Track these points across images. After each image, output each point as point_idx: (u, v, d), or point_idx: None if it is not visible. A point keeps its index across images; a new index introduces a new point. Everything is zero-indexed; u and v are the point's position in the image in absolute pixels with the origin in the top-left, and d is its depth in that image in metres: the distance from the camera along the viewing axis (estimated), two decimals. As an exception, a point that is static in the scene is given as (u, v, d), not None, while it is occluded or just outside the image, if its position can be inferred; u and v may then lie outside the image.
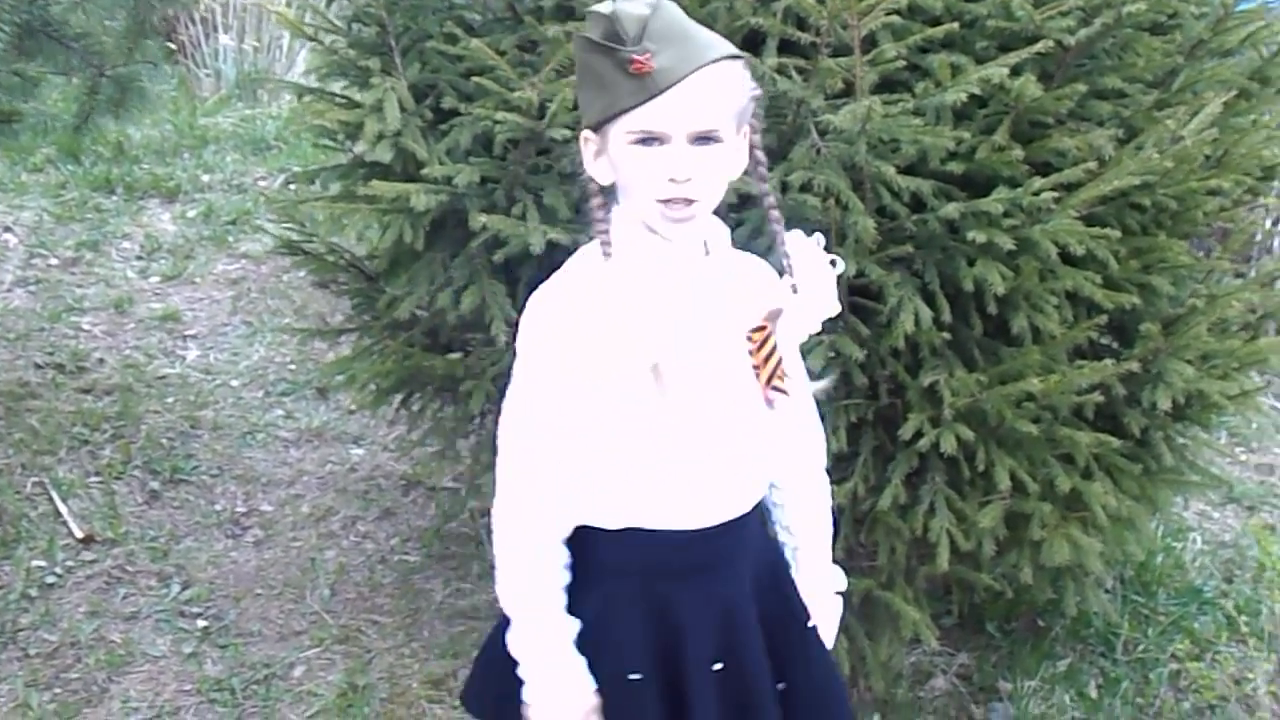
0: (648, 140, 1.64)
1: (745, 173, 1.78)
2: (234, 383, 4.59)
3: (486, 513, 3.67)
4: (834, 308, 1.83)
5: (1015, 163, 2.49)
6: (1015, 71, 2.45)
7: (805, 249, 1.81)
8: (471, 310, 2.75)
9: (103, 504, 3.78)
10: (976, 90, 2.43)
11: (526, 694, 1.82)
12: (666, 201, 1.66)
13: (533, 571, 1.80)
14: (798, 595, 1.98)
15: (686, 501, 1.81)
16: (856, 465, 2.63)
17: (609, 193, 1.74)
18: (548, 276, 2.78)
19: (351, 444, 4.24)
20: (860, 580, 2.69)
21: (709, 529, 1.83)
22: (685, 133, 1.63)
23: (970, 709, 3.12)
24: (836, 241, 2.42)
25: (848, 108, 2.35)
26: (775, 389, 1.80)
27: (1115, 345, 2.81)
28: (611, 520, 1.81)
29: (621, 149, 1.66)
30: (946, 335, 2.55)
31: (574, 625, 1.81)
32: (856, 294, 2.52)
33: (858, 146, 2.37)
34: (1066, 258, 2.52)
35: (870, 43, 2.43)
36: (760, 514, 1.94)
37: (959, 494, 2.64)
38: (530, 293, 2.79)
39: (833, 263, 1.81)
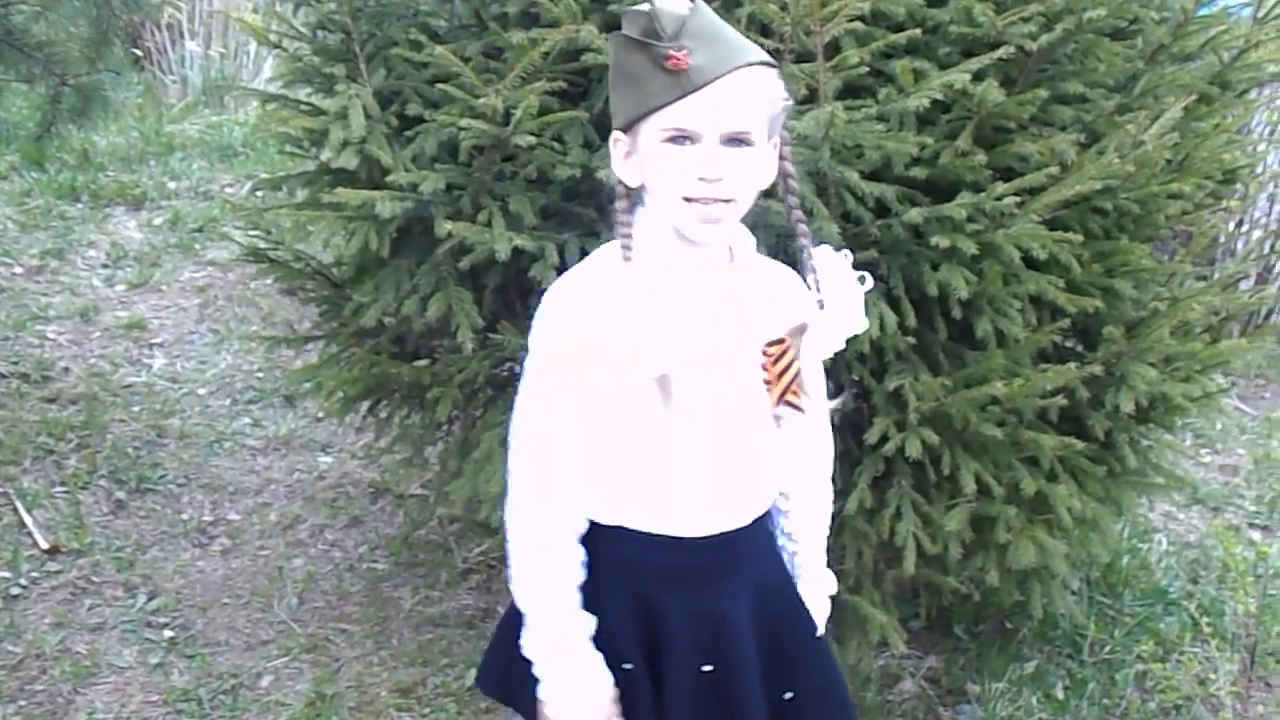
0: (679, 139, 1.65)
1: (774, 192, 1.79)
2: (201, 391, 4.57)
3: (455, 520, 3.70)
4: (861, 325, 1.84)
5: (978, 168, 2.51)
6: (978, 77, 2.47)
7: (832, 265, 1.81)
8: (438, 317, 2.75)
9: (68, 514, 3.75)
10: (939, 96, 2.45)
11: (543, 691, 1.81)
12: (695, 201, 1.66)
13: (547, 569, 1.79)
14: (804, 605, 1.98)
15: (681, 510, 1.80)
16: (823, 470, 2.63)
17: (634, 196, 1.74)
18: (514, 283, 2.81)
19: (319, 452, 4.23)
20: (828, 584, 2.70)
21: (704, 538, 1.82)
22: (718, 132, 1.64)
23: (939, 711, 3.13)
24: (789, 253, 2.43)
25: (811, 114, 2.36)
26: (789, 404, 1.80)
27: (1079, 348, 2.83)
28: (605, 515, 1.81)
29: (653, 147, 1.67)
30: (911, 340, 2.57)
31: (588, 621, 1.79)
32: (821, 299, 2.53)
33: (822, 152, 2.38)
34: (1030, 262, 2.54)
35: (833, 49, 2.44)
36: (766, 524, 1.93)
37: (925, 498, 2.66)
38: (497, 298, 2.82)
39: (861, 279, 1.82)
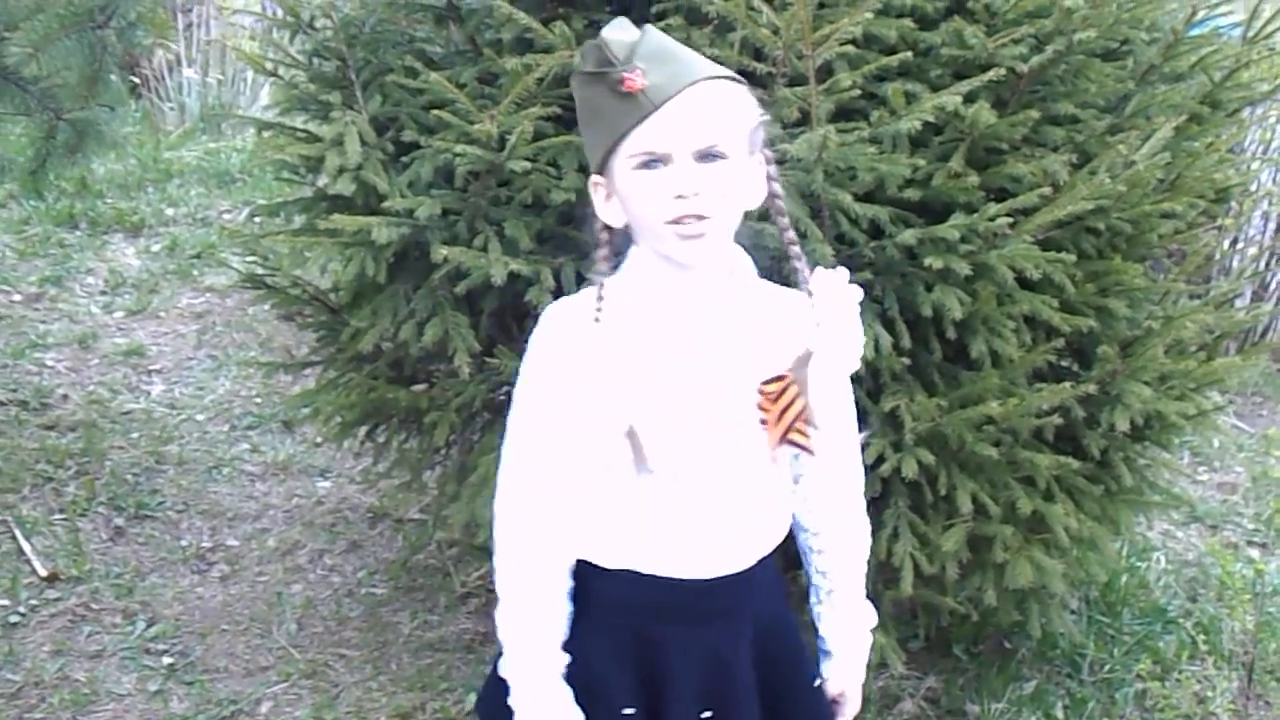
0: (651, 163, 1.63)
1: (764, 213, 1.77)
2: (199, 417, 4.57)
3: (453, 544, 3.70)
4: (860, 345, 1.80)
5: (971, 189, 2.52)
6: (969, 99, 2.49)
7: (830, 285, 1.76)
8: (434, 342, 2.76)
9: (67, 541, 3.76)
10: (931, 118, 2.46)
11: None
12: (677, 221, 1.64)
13: (527, 601, 1.78)
14: (803, 650, 1.94)
15: (679, 552, 1.77)
16: (820, 491, 2.64)
17: (618, 240, 1.73)
18: (510, 307, 2.82)
19: (318, 477, 4.24)
20: (826, 605, 2.71)
21: (706, 580, 1.79)
22: (688, 150, 1.62)
23: (938, 732, 3.14)
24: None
25: (804, 137, 2.38)
26: (793, 443, 1.74)
27: (1074, 368, 2.84)
28: (607, 559, 1.79)
29: (627, 177, 1.65)
30: (906, 360, 2.58)
31: (562, 658, 1.79)
32: (817, 321, 2.54)
33: (815, 175, 2.39)
34: (1023, 282, 2.55)
35: (826, 72, 2.46)
36: (772, 563, 1.87)
37: (922, 518, 2.66)
38: (493, 323, 2.83)
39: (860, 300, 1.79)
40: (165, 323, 5.30)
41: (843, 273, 1.77)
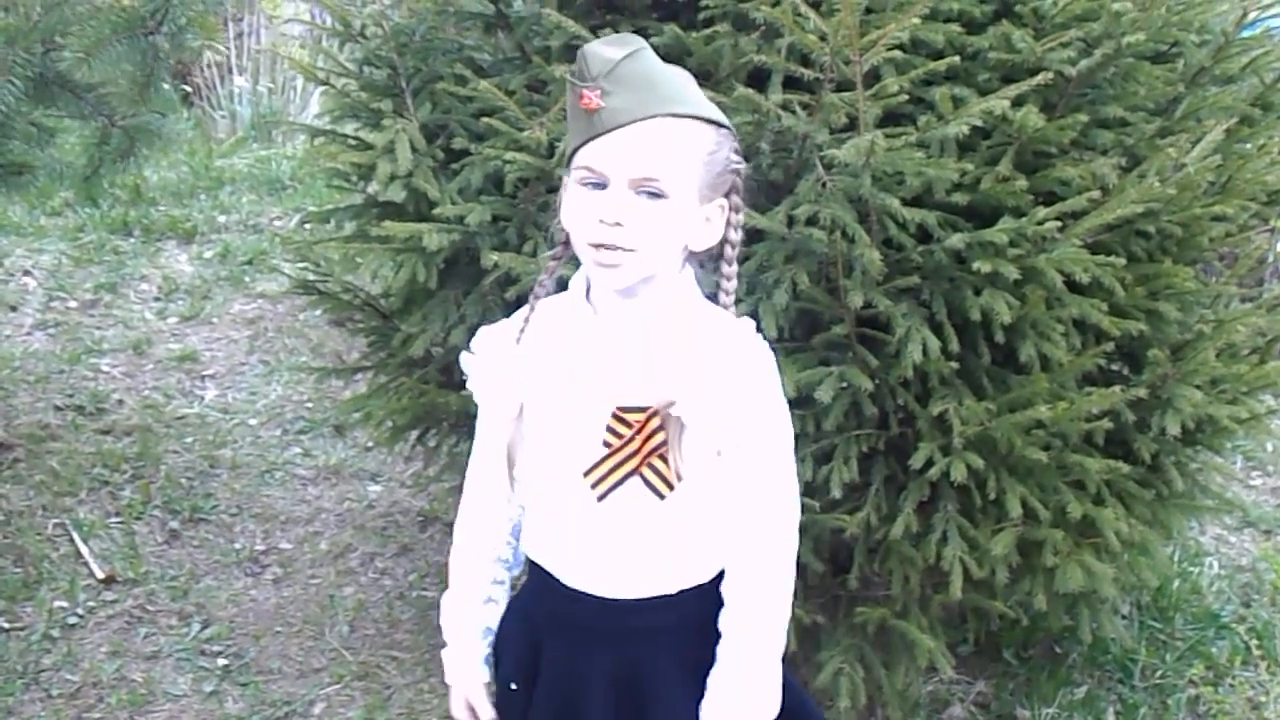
0: (590, 183, 1.65)
1: (713, 255, 1.76)
2: (252, 421, 4.63)
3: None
4: (760, 402, 1.72)
5: (1019, 193, 2.52)
6: (1017, 103, 2.48)
7: (735, 332, 1.73)
8: (485, 347, 2.78)
9: (123, 544, 3.81)
10: (979, 122, 2.46)
11: (443, 653, 2.02)
12: (598, 246, 1.65)
13: (458, 548, 1.98)
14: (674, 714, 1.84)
15: (549, 552, 1.86)
16: (869, 495, 2.64)
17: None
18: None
19: (369, 481, 4.27)
20: (875, 609, 2.71)
21: (574, 590, 1.82)
22: (624, 178, 1.62)
23: (988, 737, 3.13)
24: (844, 274, 2.45)
25: (852, 142, 2.38)
26: (644, 478, 1.73)
27: (1124, 372, 2.82)
28: (527, 546, 1.93)
29: (571, 189, 1.69)
30: (955, 364, 2.57)
31: (480, 615, 1.97)
32: (865, 325, 2.55)
33: (862, 179, 2.40)
34: (1073, 286, 2.54)
35: (873, 77, 2.46)
36: (670, 616, 1.81)
37: (971, 522, 2.66)
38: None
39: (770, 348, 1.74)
40: (218, 328, 5.37)
41: (748, 324, 1.74)
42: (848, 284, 2.46)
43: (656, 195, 1.63)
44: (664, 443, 1.71)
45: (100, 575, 3.65)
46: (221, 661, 3.34)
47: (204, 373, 4.99)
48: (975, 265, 2.46)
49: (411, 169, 2.75)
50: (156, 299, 5.61)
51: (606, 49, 1.63)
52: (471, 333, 2.78)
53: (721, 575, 1.81)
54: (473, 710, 2.00)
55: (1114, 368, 2.82)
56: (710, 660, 1.81)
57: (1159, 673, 3.34)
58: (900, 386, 2.59)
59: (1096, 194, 2.50)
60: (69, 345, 5.09)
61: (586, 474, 1.75)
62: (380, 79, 3.03)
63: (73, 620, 3.47)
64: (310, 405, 4.74)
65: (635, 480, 1.73)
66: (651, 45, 1.67)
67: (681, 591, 1.80)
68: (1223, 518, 3.96)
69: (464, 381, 1.84)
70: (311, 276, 3.42)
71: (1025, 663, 3.35)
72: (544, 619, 1.89)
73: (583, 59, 1.63)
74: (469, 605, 1.98)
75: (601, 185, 1.64)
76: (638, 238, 1.63)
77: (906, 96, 2.47)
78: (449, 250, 2.70)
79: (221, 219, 6.49)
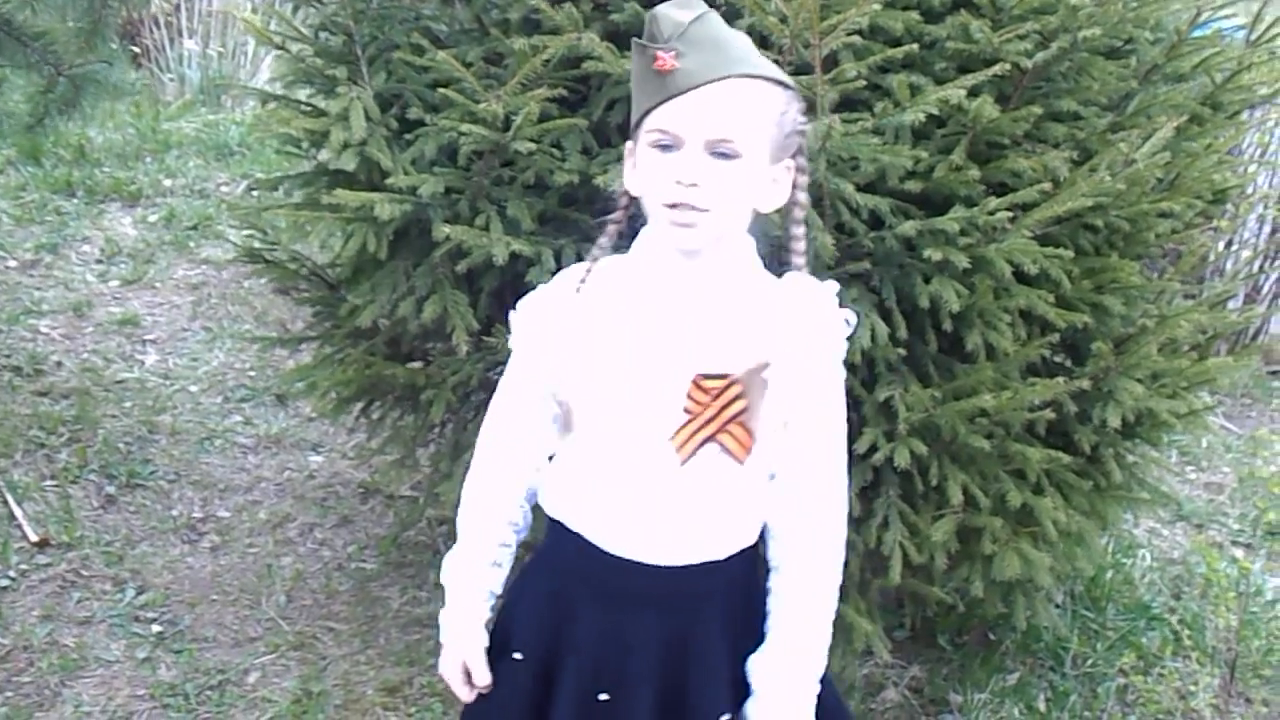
0: (664, 145, 1.65)
1: (779, 211, 1.76)
2: (193, 388, 4.58)
3: (444, 521, 3.72)
4: (831, 373, 1.76)
5: (972, 182, 2.54)
6: (973, 93, 2.50)
7: (812, 299, 1.75)
8: (433, 320, 2.77)
9: (58, 507, 3.76)
10: (935, 110, 2.47)
11: (442, 613, 1.97)
12: (673, 206, 1.66)
13: (470, 505, 1.94)
14: (717, 681, 1.84)
15: (596, 520, 1.81)
16: (812, 478, 2.65)
17: (636, 209, 1.77)
18: (509, 287, 2.83)
19: (310, 451, 4.24)
20: (814, 592, 2.73)
21: (620, 558, 1.79)
22: (700, 139, 1.63)
23: (921, 721, 3.16)
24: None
25: (808, 126, 2.38)
26: (722, 445, 1.73)
27: (1067, 363, 2.85)
28: (550, 505, 1.87)
29: (644, 152, 1.69)
30: (902, 351, 2.59)
31: (485, 579, 1.92)
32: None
33: (818, 164, 2.40)
34: (1021, 276, 2.56)
35: (831, 62, 2.46)
36: (719, 581, 1.83)
37: (912, 508, 2.68)
38: (492, 302, 2.84)
39: (846, 321, 1.76)
40: (160, 293, 5.30)
41: (832, 286, 1.77)
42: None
43: (730, 156, 1.64)
44: (742, 410, 1.72)
45: (34, 538, 3.60)
46: (155, 628, 3.31)
47: (145, 337, 4.92)
48: (926, 253, 2.48)
49: (365, 137, 2.72)
50: (98, 261, 5.53)
51: (676, 12, 1.64)
52: (419, 305, 2.80)
53: (761, 538, 1.85)
54: (468, 674, 1.91)
55: (1057, 359, 2.86)
56: (751, 624, 1.84)
57: (1090, 661, 3.39)
58: (847, 371, 2.59)
59: (1048, 186, 2.52)
60: (8, 305, 5.01)
61: (671, 438, 1.74)
62: (335, 45, 3.00)
63: (4, 583, 3.42)
64: (253, 373, 4.70)
65: (713, 446, 1.73)
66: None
67: (730, 556, 1.82)
68: (1156, 511, 4.02)
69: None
70: (258, 244, 3.38)
71: (959, 649, 3.38)
72: (581, 588, 1.83)
73: (654, 22, 1.64)
74: (476, 567, 1.93)
75: (674, 147, 1.65)
76: (713, 198, 1.65)
77: (864, 83, 2.48)
78: (400, 221, 2.68)
79: (167, 183, 6.41)
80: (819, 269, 2.46)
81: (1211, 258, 4.90)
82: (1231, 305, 4.95)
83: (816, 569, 1.83)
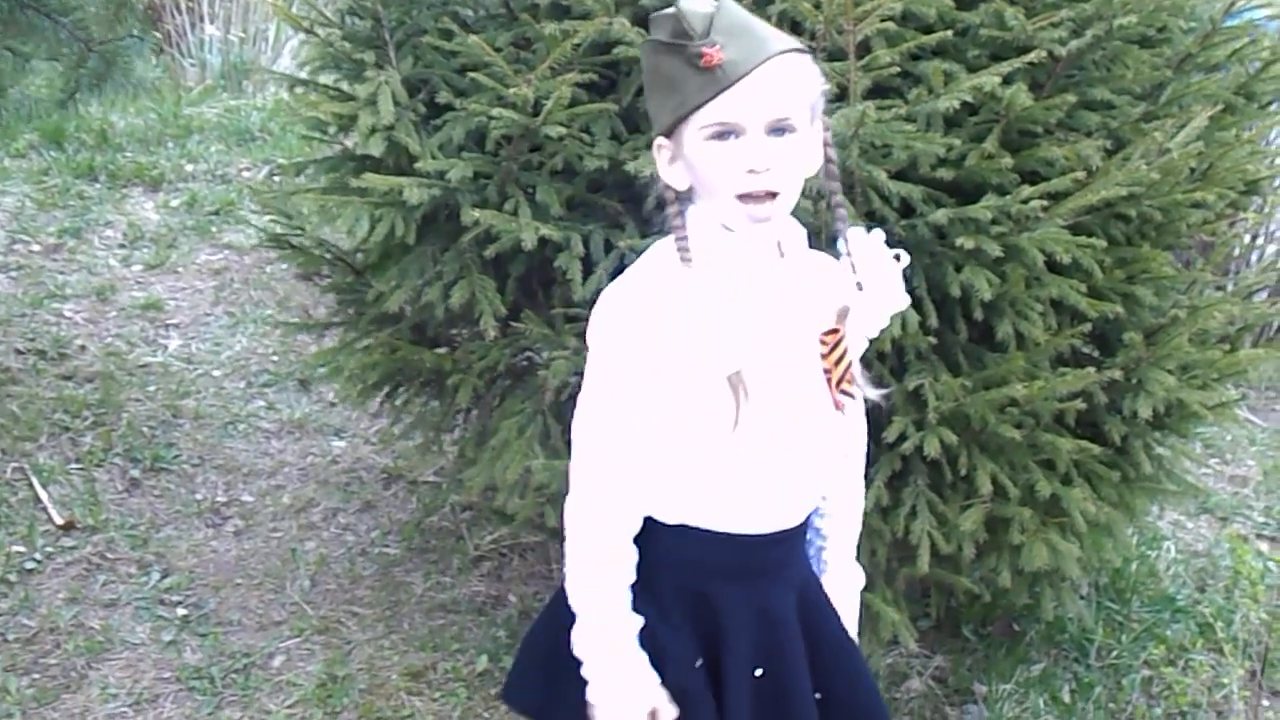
0: (724, 134, 1.65)
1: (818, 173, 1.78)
2: (215, 373, 4.59)
3: (468, 507, 3.72)
4: (902, 302, 1.86)
5: (1004, 171, 2.52)
6: (1006, 80, 2.48)
7: (868, 245, 1.82)
8: (460, 305, 2.77)
9: (83, 491, 3.77)
10: (968, 98, 2.46)
11: (591, 693, 1.80)
12: (747, 197, 1.66)
13: (603, 570, 1.79)
14: (830, 604, 1.96)
15: (746, 508, 1.80)
16: (840, 467, 2.65)
17: (683, 199, 1.75)
18: (537, 272, 2.82)
19: (333, 436, 4.25)
20: (841, 581, 2.72)
21: (763, 535, 1.82)
22: (761, 123, 1.64)
23: (945, 711, 3.15)
24: (825, 245, 2.44)
25: (841, 112, 2.37)
26: (845, 393, 1.80)
27: (1098, 354, 2.84)
28: (668, 514, 1.80)
29: (698, 147, 1.67)
30: (932, 340, 2.58)
31: (637, 621, 1.79)
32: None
33: (850, 150, 2.39)
34: (1052, 266, 2.55)
35: (865, 48, 2.45)
36: (806, 526, 1.93)
37: (940, 497, 2.67)
38: (519, 287, 2.84)
39: (897, 257, 1.83)
40: (183, 278, 5.31)
41: (879, 234, 1.83)
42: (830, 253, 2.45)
43: (788, 131, 1.67)
44: (848, 356, 1.80)
45: (59, 521, 3.62)
46: (181, 611, 3.32)
47: (168, 322, 4.93)
48: (957, 241, 2.47)
49: (393, 122, 2.72)
50: (121, 246, 5.54)
51: (699, 6, 1.64)
52: (447, 290, 2.80)
53: None
54: (653, 715, 1.81)
55: (1088, 349, 2.84)
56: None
57: (1114, 653, 3.37)
58: (877, 359, 2.59)
59: (1080, 175, 2.51)
60: (31, 289, 5.02)
61: (827, 395, 1.79)
62: (363, 30, 2.99)
63: (30, 565, 3.44)
64: (275, 359, 4.70)
65: (844, 398, 1.81)
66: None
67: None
68: (1181, 503, 4.00)
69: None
70: (281, 229, 3.38)
71: (984, 639, 3.37)
72: (720, 584, 1.82)
73: (684, 20, 1.63)
74: (626, 624, 1.80)
75: (735, 134, 1.65)
76: (782, 178, 1.67)
77: (897, 69, 2.47)
78: (428, 206, 2.68)
79: (189, 168, 6.41)
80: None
81: (1239, 249, 4.87)
82: (1257, 298, 4.93)
83: (861, 495, 2.02)
